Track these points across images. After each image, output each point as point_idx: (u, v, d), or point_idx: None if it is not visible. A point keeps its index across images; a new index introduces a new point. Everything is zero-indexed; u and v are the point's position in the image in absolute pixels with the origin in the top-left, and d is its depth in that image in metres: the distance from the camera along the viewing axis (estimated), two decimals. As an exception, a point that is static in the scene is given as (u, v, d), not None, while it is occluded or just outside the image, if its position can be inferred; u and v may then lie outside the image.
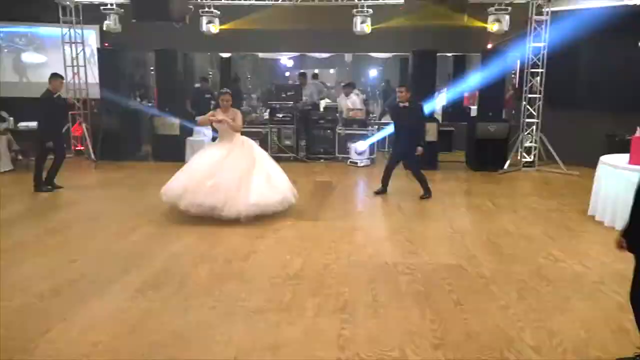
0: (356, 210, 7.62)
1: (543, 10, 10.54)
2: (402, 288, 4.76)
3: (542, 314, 4.21)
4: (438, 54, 11.02)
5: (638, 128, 7.17)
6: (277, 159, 10.49)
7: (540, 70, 10.65)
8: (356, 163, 10.80)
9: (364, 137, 11.01)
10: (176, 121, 10.98)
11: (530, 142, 10.85)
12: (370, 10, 10.62)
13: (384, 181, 8.41)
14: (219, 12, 11.01)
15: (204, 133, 11.32)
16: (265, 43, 12.32)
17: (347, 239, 6.19)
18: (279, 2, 10.87)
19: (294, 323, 4.07)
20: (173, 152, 10.85)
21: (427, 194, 8.17)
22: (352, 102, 12.06)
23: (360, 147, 10.82)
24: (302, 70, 14.15)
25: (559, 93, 10.60)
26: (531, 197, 8.65)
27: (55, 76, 8.51)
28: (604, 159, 7.39)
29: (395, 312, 4.28)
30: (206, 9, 10.94)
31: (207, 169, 6.85)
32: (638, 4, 9.01)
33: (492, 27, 10.31)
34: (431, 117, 10.33)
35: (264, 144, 11.06)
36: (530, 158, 10.82)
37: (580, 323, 4.06)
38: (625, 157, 7.15)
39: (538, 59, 10.64)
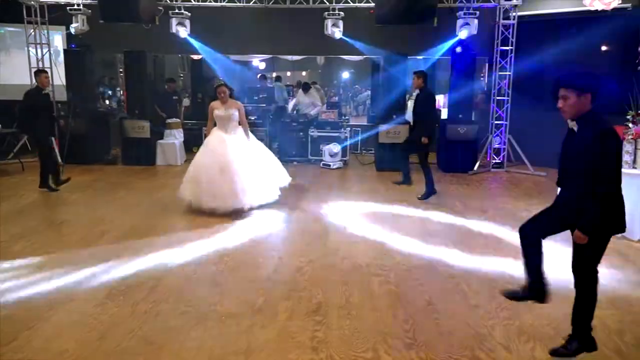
0: (329, 212, 7.62)
1: (510, 14, 10.71)
2: (375, 289, 4.78)
3: (512, 312, 4.28)
4: (410, 57, 11.15)
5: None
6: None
7: (507, 73, 10.83)
8: (329, 165, 10.78)
9: (337, 139, 11.03)
10: (146, 124, 10.82)
11: (499, 143, 11.04)
12: (342, 14, 10.65)
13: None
14: (189, 14, 10.91)
15: (174, 135, 11.22)
16: (237, 45, 12.24)
17: (321, 241, 6.21)
18: (251, 4, 10.83)
19: (266, 326, 4.05)
20: (144, 156, 10.80)
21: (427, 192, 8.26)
22: (311, 97, 12.13)
23: (333, 149, 10.83)
24: (262, 73, 14.23)
25: (526, 95, 10.77)
26: (501, 197, 8.75)
27: (40, 72, 8.58)
28: None
29: (369, 313, 4.30)
30: (176, 11, 10.84)
31: (217, 165, 7.09)
32: (599, 9, 9.24)
33: (462, 32, 10.44)
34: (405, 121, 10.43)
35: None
36: (499, 159, 11.00)
37: (548, 320, 4.14)
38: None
39: (506, 62, 10.82)
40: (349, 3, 10.70)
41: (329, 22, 10.68)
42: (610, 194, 3.41)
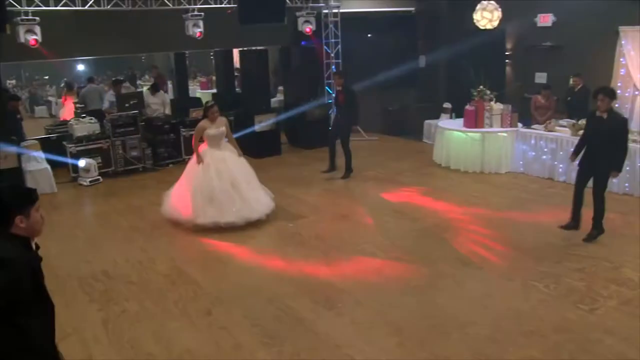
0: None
1: (335, 12, 12.77)
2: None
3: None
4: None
5: (469, 104, 10.24)
6: (128, 172, 10.55)
7: (336, 61, 12.98)
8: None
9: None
10: (13, 150, 9.46)
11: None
12: (202, 14, 11.01)
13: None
14: (38, 19, 9.74)
15: (37, 160, 10.07)
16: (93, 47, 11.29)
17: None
18: (107, 7, 10.27)
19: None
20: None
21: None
22: (160, 99, 12.28)
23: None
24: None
25: (354, 76, 13.10)
26: (383, 161, 11.19)
27: None
28: (443, 124, 11.06)
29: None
30: (23, 17, 9.58)
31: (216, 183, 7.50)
32: (403, 10, 12.16)
33: (305, 28, 12.04)
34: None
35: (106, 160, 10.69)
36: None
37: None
38: (455, 122, 10.91)
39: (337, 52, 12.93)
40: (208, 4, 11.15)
41: (189, 23, 10.94)
42: (626, 150, 6.48)
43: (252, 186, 7.86)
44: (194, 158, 7.85)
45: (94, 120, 11.03)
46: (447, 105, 12.67)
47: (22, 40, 9.62)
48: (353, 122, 10.11)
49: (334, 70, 12.81)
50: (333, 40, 12.83)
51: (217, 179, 7.55)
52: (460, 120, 10.65)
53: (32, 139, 10.64)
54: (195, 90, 17.20)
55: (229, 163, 7.73)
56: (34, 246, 2.91)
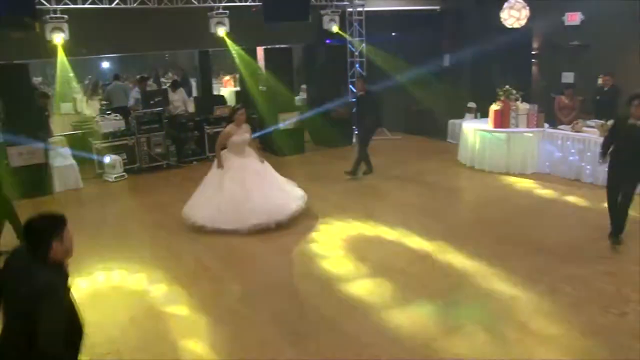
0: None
1: (360, 10, 12.69)
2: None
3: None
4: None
5: (495, 104, 10.14)
6: (152, 169, 10.64)
7: (359, 59, 12.91)
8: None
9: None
10: (40, 146, 9.62)
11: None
12: (227, 12, 11.06)
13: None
14: (66, 17, 9.86)
15: (63, 156, 10.20)
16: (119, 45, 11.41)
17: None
18: (133, 5, 10.35)
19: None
20: (38, 185, 9.51)
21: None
22: (179, 96, 12.38)
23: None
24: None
25: (377, 75, 13.04)
26: (407, 160, 11.15)
27: None
28: (467, 124, 10.88)
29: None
30: (52, 15, 9.71)
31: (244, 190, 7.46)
32: (429, 8, 12.05)
33: (330, 26, 12.03)
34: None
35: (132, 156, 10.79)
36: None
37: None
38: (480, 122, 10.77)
39: (361, 51, 12.86)
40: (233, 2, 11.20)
41: (213, 21, 10.99)
42: None
43: (275, 189, 7.79)
44: (215, 163, 7.84)
45: (119, 117, 11.16)
46: (471, 104, 12.55)
47: (51, 38, 9.80)
48: (372, 127, 9.96)
49: (358, 67, 12.81)
50: (357, 38, 12.78)
51: (229, 186, 7.52)
52: (486, 120, 10.54)
53: (58, 135, 10.78)
54: (219, 88, 17.29)
55: (249, 170, 7.67)
56: (67, 268, 3.05)
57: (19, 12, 9.02)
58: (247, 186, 7.47)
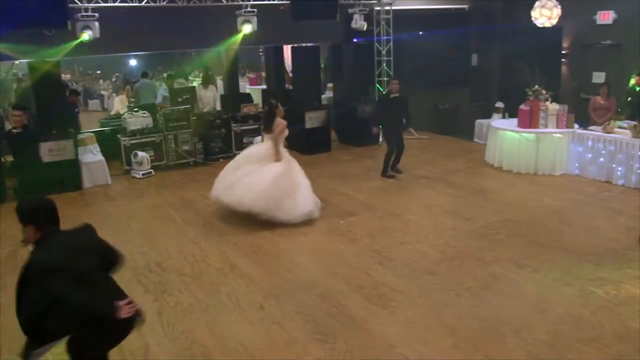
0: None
1: (388, 9, 12.65)
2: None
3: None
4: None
5: (524, 104, 10.02)
6: (179, 166, 10.73)
7: (387, 58, 12.84)
8: (263, 156, 11.38)
9: (258, 131, 11.61)
10: (70, 143, 9.78)
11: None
12: (255, 10, 11.10)
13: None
14: (97, 15, 9.99)
15: (92, 151, 10.35)
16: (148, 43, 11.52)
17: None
18: (163, 3, 10.46)
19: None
20: (67, 180, 9.67)
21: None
22: (211, 93, 12.47)
23: (264, 140, 11.44)
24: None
25: (405, 75, 12.96)
26: (434, 160, 11.11)
27: None
28: (496, 124, 10.78)
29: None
30: (83, 13, 9.85)
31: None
32: (456, 7, 11.92)
33: (359, 25, 11.99)
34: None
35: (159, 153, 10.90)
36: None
37: None
38: (509, 122, 10.61)
39: (388, 50, 12.79)
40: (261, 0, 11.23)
41: (241, 19, 11.05)
42: None
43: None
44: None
45: (147, 114, 11.28)
46: (499, 104, 12.43)
47: (81, 36, 9.93)
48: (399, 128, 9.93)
49: (385, 66, 12.78)
50: (385, 37, 12.72)
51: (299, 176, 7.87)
52: (514, 120, 10.41)
53: (87, 131, 10.93)
54: (245, 86, 17.37)
55: (293, 164, 7.93)
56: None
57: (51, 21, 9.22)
58: (298, 178, 7.78)
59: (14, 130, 8.92)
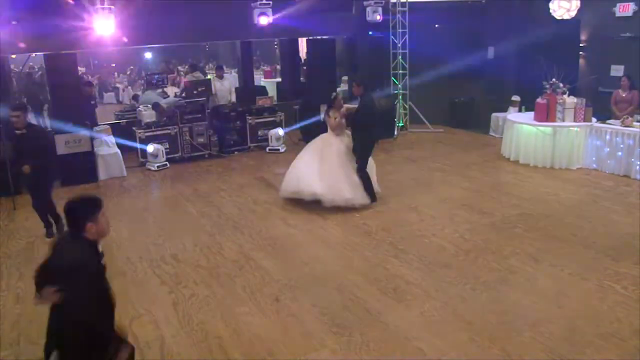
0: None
1: (403, 1, 12.59)
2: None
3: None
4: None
5: (540, 97, 9.92)
6: (194, 158, 10.76)
7: (402, 51, 12.77)
8: (278, 150, 11.43)
9: (273, 124, 11.64)
10: (86, 134, 9.82)
11: (401, 109, 13.07)
12: (270, 2, 11.06)
13: None
14: (113, 7, 10.00)
15: (108, 144, 10.40)
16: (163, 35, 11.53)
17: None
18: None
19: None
20: (84, 172, 9.72)
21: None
22: (227, 83, 12.50)
23: (279, 133, 11.45)
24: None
25: (420, 67, 12.90)
26: (449, 153, 11.09)
27: None
28: (512, 117, 10.72)
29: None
30: (100, 6, 9.84)
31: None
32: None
33: (374, 17, 11.93)
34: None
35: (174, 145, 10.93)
36: (401, 123, 13.04)
37: None
38: (525, 116, 10.55)
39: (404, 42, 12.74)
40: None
41: (256, 12, 11.01)
42: None
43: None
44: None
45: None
46: (515, 98, 12.29)
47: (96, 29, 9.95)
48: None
49: (401, 59, 12.71)
50: (400, 30, 12.64)
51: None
52: (530, 114, 10.32)
53: (103, 124, 10.98)
54: (259, 79, 17.37)
55: (333, 148, 8.09)
56: (100, 248, 3.30)
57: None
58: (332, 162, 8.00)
59: (17, 132, 7.18)
